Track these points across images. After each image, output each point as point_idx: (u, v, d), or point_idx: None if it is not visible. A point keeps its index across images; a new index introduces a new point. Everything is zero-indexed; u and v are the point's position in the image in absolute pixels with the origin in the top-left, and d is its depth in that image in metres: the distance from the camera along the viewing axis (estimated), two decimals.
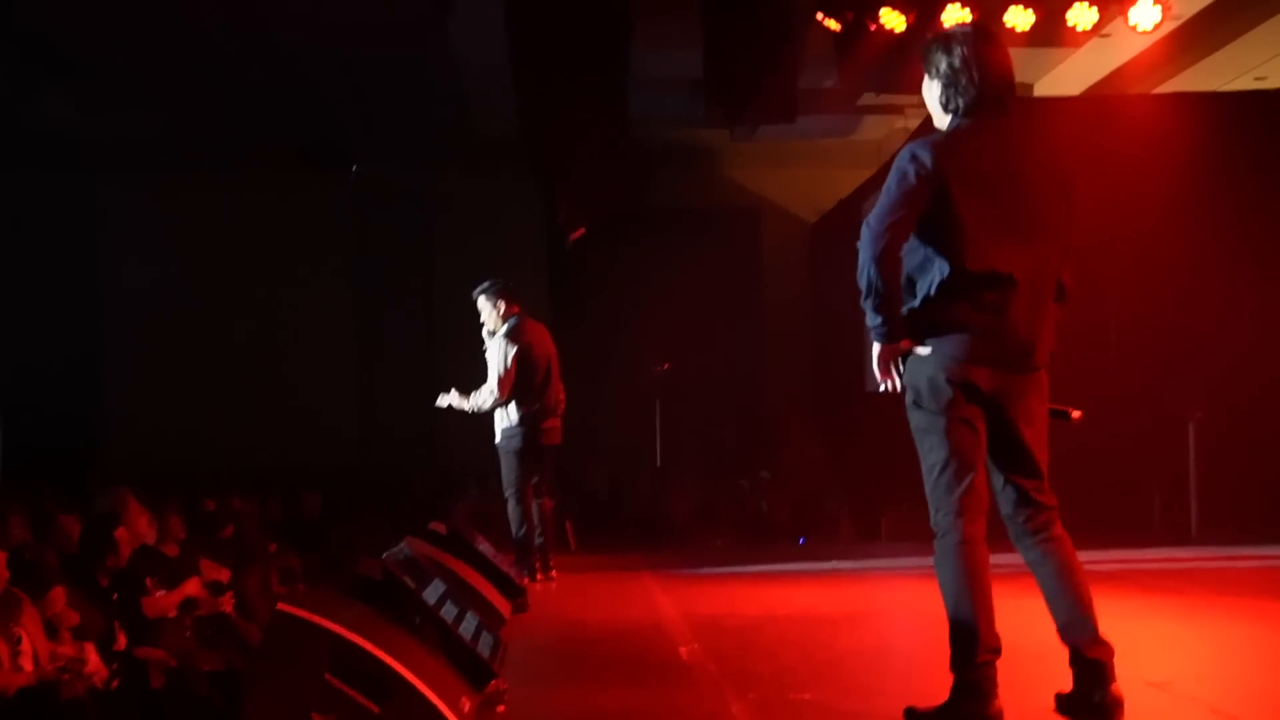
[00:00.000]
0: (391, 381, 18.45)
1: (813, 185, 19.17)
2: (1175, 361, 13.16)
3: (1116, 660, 4.87)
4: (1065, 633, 4.88)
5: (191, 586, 9.17)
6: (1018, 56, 13.52)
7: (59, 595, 7.72)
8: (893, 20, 12.51)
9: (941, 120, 5.02)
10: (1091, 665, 4.82)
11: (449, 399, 10.33)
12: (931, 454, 4.90)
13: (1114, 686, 4.78)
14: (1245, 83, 15.35)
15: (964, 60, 4.89)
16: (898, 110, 16.57)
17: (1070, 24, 12.68)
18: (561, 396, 10.50)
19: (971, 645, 4.78)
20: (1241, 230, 13.27)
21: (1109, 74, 15.36)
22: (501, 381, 10.08)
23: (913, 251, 4.85)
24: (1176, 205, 13.18)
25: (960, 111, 4.92)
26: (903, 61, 13.30)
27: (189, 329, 18.76)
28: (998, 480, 4.97)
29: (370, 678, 4.73)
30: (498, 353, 10.15)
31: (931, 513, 4.95)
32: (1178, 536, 12.55)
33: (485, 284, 10.41)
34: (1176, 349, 13.20)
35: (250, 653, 7.87)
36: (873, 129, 17.84)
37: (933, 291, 4.81)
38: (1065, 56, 14.79)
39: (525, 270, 14.93)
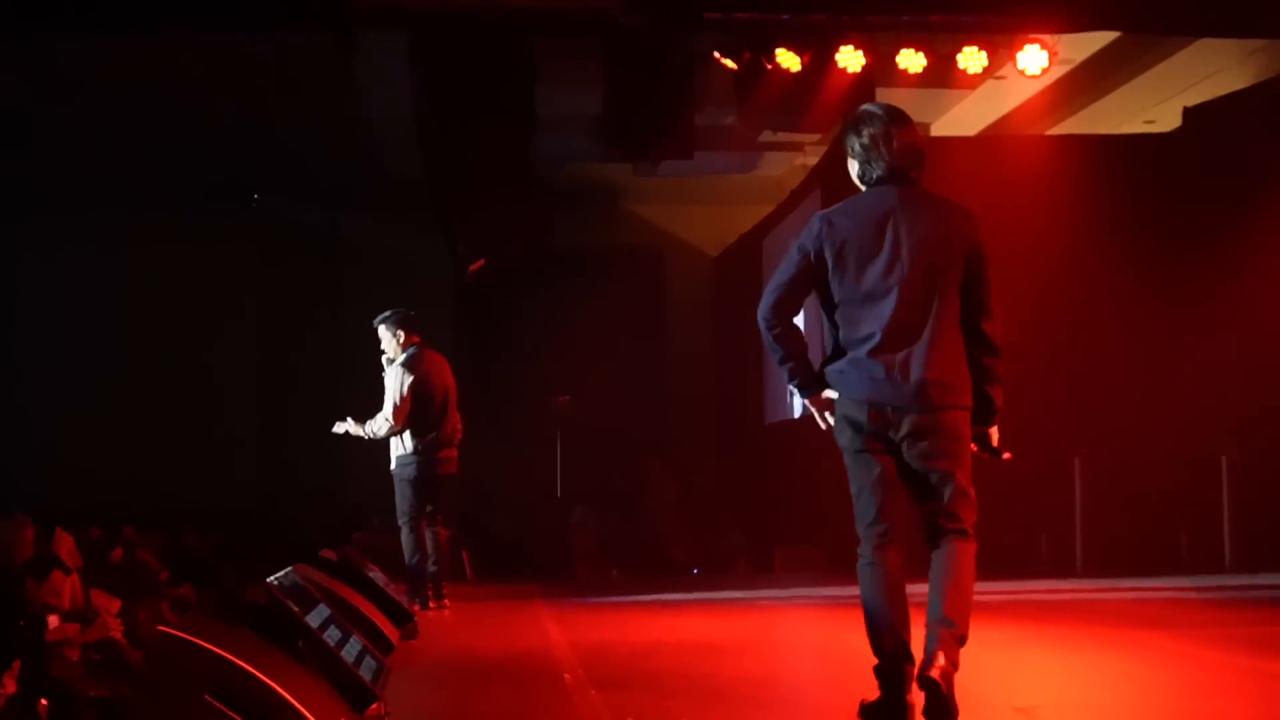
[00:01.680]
0: (296, 417, 18.41)
1: (715, 221, 19.43)
2: (1063, 398, 13.41)
3: (989, 688, 5.43)
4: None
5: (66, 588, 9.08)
6: (916, 97, 13.80)
7: None
8: (788, 60, 12.71)
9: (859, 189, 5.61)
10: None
11: (345, 426, 10.42)
12: (851, 485, 5.49)
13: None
14: (1136, 126, 15.74)
15: (872, 139, 5.49)
16: (797, 148, 16.80)
17: (961, 67, 12.95)
18: (459, 427, 10.60)
19: (878, 647, 5.34)
20: (1129, 270, 13.57)
21: (1005, 115, 15.68)
22: (396, 410, 10.19)
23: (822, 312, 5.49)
24: (1067, 244, 13.47)
25: (871, 184, 5.52)
26: (800, 100, 13.53)
27: (91, 368, 18.65)
28: (917, 507, 5.49)
29: (251, 700, 4.76)
30: (394, 381, 10.26)
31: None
32: (1063, 570, 12.81)
33: (386, 313, 10.55)
34: (1064, 386, 13.46)
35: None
36: (773, 165, 18.06)
37: (832, 347, 5.45)
38: (962, 98, 15.08)
39: (431, 306, 14.95)
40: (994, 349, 5.61)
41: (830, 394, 5.48)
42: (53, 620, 8.91)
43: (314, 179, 18.02)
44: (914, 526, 5.50)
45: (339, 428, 10.45)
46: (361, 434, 10.34)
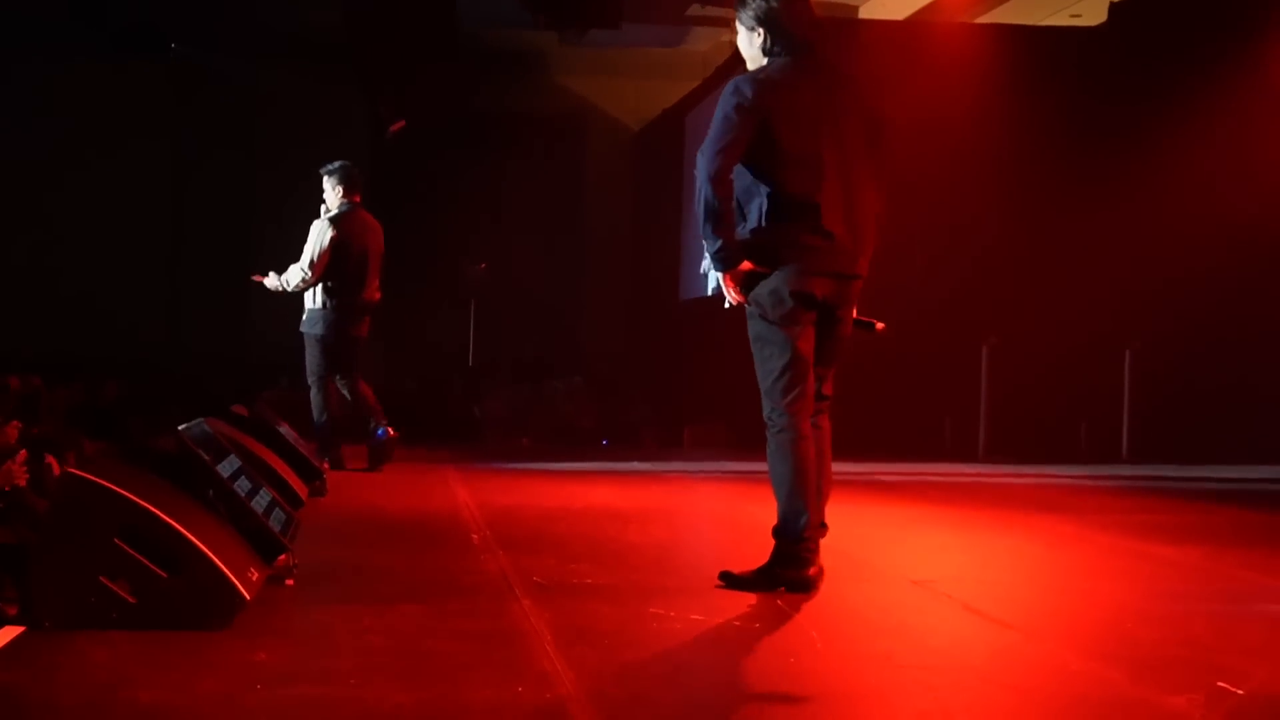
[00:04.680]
0: (207, 270, 18.25)
1: (639, 95, 19.33)
2: (975, 287, 13.57)
3: (888, 562, 5.63)
4: None
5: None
6: None
7: None
8: None
9: (759, 64, 5.52)
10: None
11: (264, 279, 10.40)
12: (771, 360, 5.43)
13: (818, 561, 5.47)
14: (1062, 19, 15.78)
15: (783, 7, 5.44)
16: (725, 24, 16.70)
17: None
18: (377, 294, 10.58)
19: (796, 523, 5.41)
20: (1046, 161, 13.68)
21: (934, 1, 15.66)
22: (314, 263, 10.15)
23: (739, 178, 5.35)
24: (986, 133, 13.54)
25: (779, 54, 5.45)
26: None
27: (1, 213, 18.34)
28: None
29: (160, 545, 4.76)
30: (316, 235, 10.23)
31: (767, 410, 5.47)
32: (966, 454, 13.03)
33: (334, 165, 10.53)
34: (977, 275, 13.61)
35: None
36: (700, 40, 17.99)
37: (763, 216, 5.34)
38: None
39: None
40: (878, 225, 5.67)
41: (763, 269, 5.37)
42: None
43: (233, 29, 17.70)
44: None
45: (261, 279, 10.42)
46: (278, 286, 10.31)
